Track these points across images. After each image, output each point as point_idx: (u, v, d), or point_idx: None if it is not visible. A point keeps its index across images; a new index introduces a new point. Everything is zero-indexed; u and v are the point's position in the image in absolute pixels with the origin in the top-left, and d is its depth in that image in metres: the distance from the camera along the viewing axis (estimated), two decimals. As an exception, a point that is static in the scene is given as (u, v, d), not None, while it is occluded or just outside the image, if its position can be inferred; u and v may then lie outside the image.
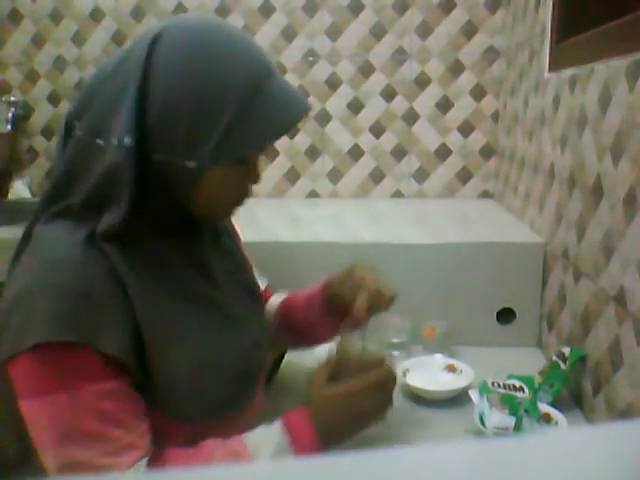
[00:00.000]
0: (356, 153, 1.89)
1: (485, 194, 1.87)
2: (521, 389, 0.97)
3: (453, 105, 1.82)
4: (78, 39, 1.94)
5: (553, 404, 0.98)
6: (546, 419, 0.95)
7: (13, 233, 0.73)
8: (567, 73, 1.13)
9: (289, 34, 1.85)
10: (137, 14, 1.89)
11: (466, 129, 1.83)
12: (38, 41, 1.97)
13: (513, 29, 1.62)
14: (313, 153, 1.91)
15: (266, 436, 0.69)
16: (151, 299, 0.65)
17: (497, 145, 1.83)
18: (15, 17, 1.96)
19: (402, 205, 1.82)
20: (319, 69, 1.86)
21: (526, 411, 0.91)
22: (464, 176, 1.87)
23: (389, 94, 1.83)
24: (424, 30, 1.79)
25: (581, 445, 0.21)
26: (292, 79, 1.87)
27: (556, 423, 0.94)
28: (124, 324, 0.62)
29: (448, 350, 1.22)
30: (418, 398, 1.07)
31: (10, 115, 1.90)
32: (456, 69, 1.80)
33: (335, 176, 1.92)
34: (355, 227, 1.52)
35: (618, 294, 0.87)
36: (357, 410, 0.74)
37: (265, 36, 1.86)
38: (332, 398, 0.73)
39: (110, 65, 0.65)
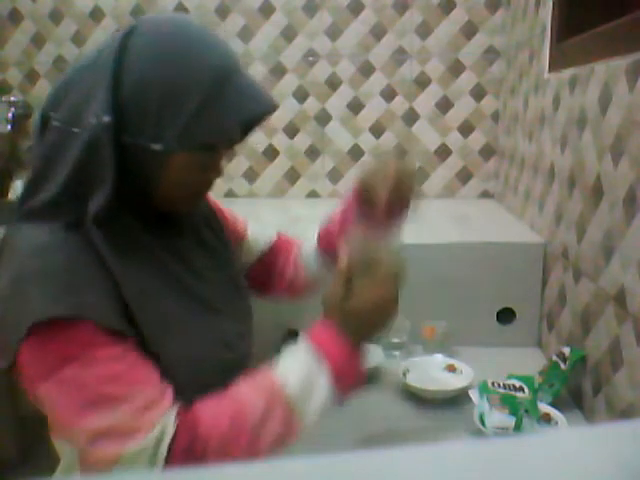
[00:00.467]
0: (356, 153, 1.89)
1: (485, 194, 1.87)
2: (521, 389, 0.97)
3: (453, 105, 1.82)
4: (78, 39, 1.94)
5: (553, 404, 0.98)
6: (546, 419, 0.95)
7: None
8: (567, 73, 1.13)
9: (289, 34, 1.85)
10: (137, 14, 1.89)
11: (466, 129, 1.83)
12: (38, 41, 1.97)
13: (513, 29, 1.62)
14: (313, 153, 1.91)
15: (294, 362, 0.69)
16: (135, 283, 0.66)
17: (497, 145, 1.83)
18: (15, 17, 1.96)
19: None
20: (319, 69, 1.86)
21: (526, 411, 0.91)
22: (464, 176, 1.87)
23: (389, 94, 1.83)
24: (424, 30, 1.79)
25: (581, 445, 0.21)
26: (292, 79, 1.88)
27: (556, 423, 0.94)
28: (115, 301, 0.64)
29: (448, 350, 1.22)
30: (418, 398, 1.07)
31: (10, 115, 1.90)
32: (456, 69, 1.80)
33: (335, 176, 1.92)
34: (355, 227, 1.52)
35: (618, 294, 0.87)
36: (379, 312, 0.73)
37: (265, 36, 1.86)
38: (353, 304, 0.71)
39: (85, 60, 0.69)
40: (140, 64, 0.65)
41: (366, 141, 1.87)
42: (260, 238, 0.98)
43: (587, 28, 1.06)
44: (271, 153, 1.94)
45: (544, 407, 0.96)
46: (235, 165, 1.95)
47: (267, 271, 0.98)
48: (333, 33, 1.83)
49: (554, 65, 1.23)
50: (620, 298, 0.87)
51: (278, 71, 1.88)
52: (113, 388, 0.60)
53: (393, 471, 0.20)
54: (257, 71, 1.89)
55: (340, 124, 1.87)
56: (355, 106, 1.85)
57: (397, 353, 1.24)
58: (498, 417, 0.91)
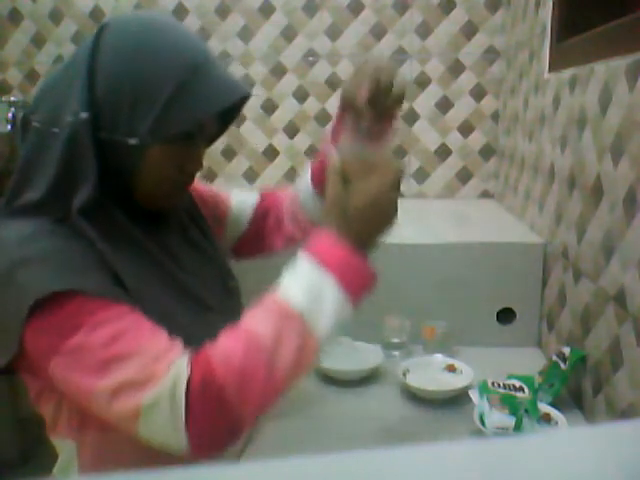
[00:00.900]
0: (356, 153, 1.88)
1: (485, 194, 1.87)
2: (521, 389, 0.97)
3: (453, 105, 1.82)
4: (78, 39, 1.94)
5: (553, 404, 0.98)
6: (546, 419, 0.95)
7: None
8: (567, 73, 1.13)
9: (289, 34, 1.85)
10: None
11: (466, 129, 1.83)
12: (38, 41, 1.97)
13: (513, 29, 1.62)
14: (313, 153, 1.91)
15: (295, 276, 0.66)
16: (130, 272, 0.67)
17: (497, 145, 1.83)
18: (15, 17, 1.96)
19: (402, 205, 1.81)
20: (319, 69, 1.86)
21: (526, 411, 0.91)
22: (464, 176, 1.87)
23: (389, 94, 1.83)
24: (424, 30, 1.79)
25: (581, 445, 0.21)
26: (292, 79, 1.88)
27: (556, 423, 0.94)
28: (113, 281, 0.65)
29: (448, 350, 1.22)
30: (418, 398, 1.07)
31: (10, 115, 1.90)
32: (456, 69, 1.80)
33: (335, 176, 1.91)
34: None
35: (618, 294, 0.87)
36: (379, 211, 0.68)
37: (265, 36, 1.86)
38: (348, 205, 0.68)
39: (62, 64, 0.71)
40: (111, 61, 0.66)
41: (366, 141, 1.87)
42: (244, 206, 0.98)
43: (587, 28, 1.06)
44: (271, 153, 1.94)
45: (544, 407, 0.96)
46: (235, 165, 1.95)
47: (260, 234, 0.97)
48: (333, 33, 1.83)
49: (554, 65, 1.23)
50: (620, 298, 0.87)
51: (278, 71, 1.88)
52: (122, 345, 0.61)
53: (393, 471, 0.20)
54: (257, 71, 1.89)
55: (340, 124, 1.87)
56: (355, 106, 1.85)
57: (397, 353, 1.24)
58: (498, 417, 0.91)
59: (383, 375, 1.17)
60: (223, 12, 1.86)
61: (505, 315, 1.30)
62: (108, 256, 0.66)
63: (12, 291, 0.62)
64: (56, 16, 1.94)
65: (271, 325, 0.62)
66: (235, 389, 0.59)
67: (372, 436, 0.97)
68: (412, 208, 1.76)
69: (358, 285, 0.66)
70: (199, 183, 0.98)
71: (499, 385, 0.98)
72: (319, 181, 0.88)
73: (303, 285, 0.64)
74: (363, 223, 0.67)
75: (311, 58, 1.86)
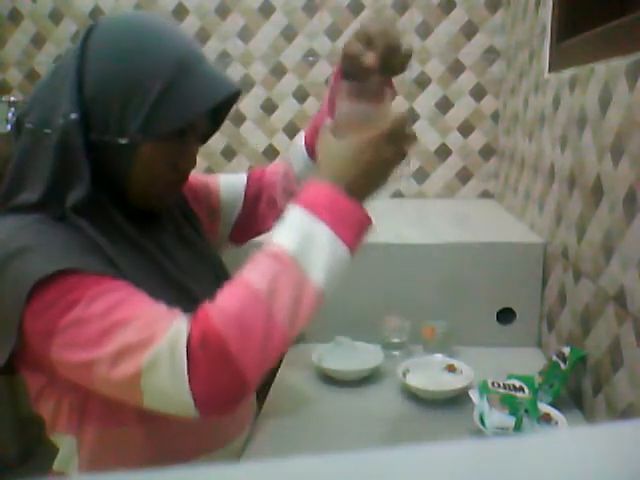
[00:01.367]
0: (356, 153, 1.88)
1: (485, 194, 1.87)
2: (521, 389, 0.97)
3: (453, 105, 1.82)
4: (78, 39, 1.94)
5: (553, 404, 0.98)
6: (546, 419, 0.95)
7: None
8: (567, 73, 1.13)
9: (289, 34, 1.85)
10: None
11: (466, 129, 1.83)
12: (38, 41, 1.97)
13: (513, 29, 1.62)
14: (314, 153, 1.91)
15: (285, 225, 0.65)
16: (127, 267, 0.67)
17: (497, 145, 1.83)
18: (15, 17, 1.96)
19: (402, 205, 1.82)
20: (319, 69, 1.86)
21: (526, 411, 0.91)
22: (464, 176, 1.87)
23: (389, 94, 1.83)
24: (424, 30, 1.79)
25: (581, 445, 0.21)
26: (292, 79, 1.88)
27: (556, 423, 0.94)
28: (105, 261, 0.65)
29: (448, 350, 1.22)
30: (418, 398, 1.07)
31: (10, 115, 1.90)
32: (456, 69, 1.80)
33: (335, 176, 1.91)
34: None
35: (618, 294, 0.87)
36: (373, 160, 0.65)
37: (265, 36, 1.86)
38: (340, 155, 0.66)
39: (53, 66, 0.71)
40: (100, 61, 0.67)
41: (366, 141, 1.87)
42: (234, 191, 0.97)
43: (587, 28, 1.06)
44: (271, 153, 1.93)
45: (544, 407, 0.96)
46: (235, 165, 1.95)
47: (254, 216, 0.96)
48: (333, 33, 1.83)
49: (554, 65, 1.23)
50: (620, 298, 0.87)
51: (278, 71, 1.88)
52: (119, 313, 0.61)
53: (393, 471, 0.20)
54: (257, 71, 1.89)
55: (340, 124, 1.87)
56: (355, 106, 1.85)
57: (397, 353, 1.24)
58: (498, 417, 0.91)
59: (383, 375, 1.17)
60: (223, 12, 1.86)
61: (505, 315, 1.30)
62: (106, 249, 0.66)
63: (9, 282, 0.63)
64: (56, 16, 1.94)
65: (265, 272, 0.61)
66: (235, 338, 0.58)
67: (372, 436, 0.97)
68: (412, 208, 1.76)
69: (351, 226, 0.64)
70: (190, 177, 0.98)
71: (499, 385, 0.98)
72: (313, 148, 0.87)
73: (293, 231, 0.63)
74: (355, 170, 0.65)
75: (311, 58, 1.86)
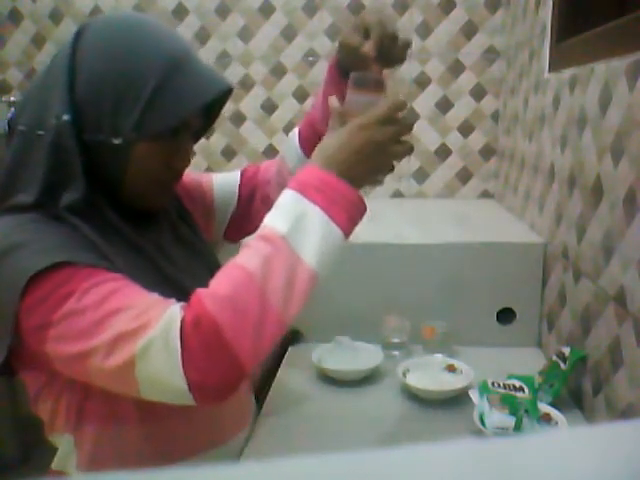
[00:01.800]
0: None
1: (485, 194, 1.87)
2: (521, 389, 0.97)
3: (453, 105, 1.82)
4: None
5: (553, 404, 0.98)
6: (546, 419, 0.95)
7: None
8: (567, 73, 1.12)
9: (289, 34, 1.85)
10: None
11: (466, 129, 1.83)
12: (38, 41, 1.97)
13: (513, 29, 1.62)
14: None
15: (277, 208, 0.64)
16: (117, 260, 0.67)
17: (497, 145, 1.83)
18: (15, 17, 1.96)
19: (402, 205, 1.82)
20: (319, 69, 1.85)
21: (526, 411, 0.91)
22: (464, 176, 1.87)
23: (389, 94, 1.83)
24: (424, 30, 1.79)
25: (581, 445, 0.21)
26: (292, 79, 1.88)
27: (556, 423, 0.94)
28: (100, 257, 0.65)
29: (448, 350, 1.22)
30: (418, 398, 1.07)
31: (10, 115, 1.90)
32: (456, 69, 1.80)
33: (335, 176, 1.91)
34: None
35: (618, 294, 0.87)
36: (365, 142, 0.65)
37: (265, 36, 1.86)
38: (334, 140, 0.66)
39: (44, 67, 0.72)
40: (91, 62, 0.67)
41: (366, 141, 1.87)
42: (228, 190, 0.97)
43: (587, 28, 1.06)
44: (271, 153, 1.93)
45: (544, 407, 0.96)
46: (235, 165, 1.95)
47: (248, 213, 0.96)
48: (333, 33, 1.83)
49: (554, 65, 1.23)
50: (620, 298, 0.87)
51: (278, 71, 1.88)
52: (114, 302, 0.61)
53: (393, 471, 0.20)
54: (257, 71, 1.89)
55: (340, 124, 1.87)
56: (355, 106, 1.85)
57: (397, 353, 1.24)
58: (498, 417, 0.91)
59: (383, 375, 1.17)
60: (223, 12, 1.86)
61: (505, 315, 1.30)
62: (101, 247, 0.66)
63: (3, 279, 0.63)
64: (56, 16, 1.94)
65: (257, 255, 0.61)
66: (229, 321, 0.58)
67: (372, 436, 0.97)
68: (412, 208, 1.76)
69: (344, 208, 0.63)
70: (184, 175, 0.98)
71: (499, 385, 0.98)
72: (307, 143, 0.87)
73: (285, 213, 0.63)
74: (347, 154, 0.65)
75: (311, 58, 1.86)
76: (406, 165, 1.87)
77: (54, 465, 0.76)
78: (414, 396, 1.07)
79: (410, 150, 0.67)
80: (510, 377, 1.01)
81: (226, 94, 0.75)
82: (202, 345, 0.58)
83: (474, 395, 1.00)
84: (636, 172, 0.82)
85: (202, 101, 0.69)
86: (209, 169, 1.93)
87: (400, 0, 1.77)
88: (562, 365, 1.01)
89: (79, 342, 0.60)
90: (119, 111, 0.66)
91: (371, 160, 0.66)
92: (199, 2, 1.87)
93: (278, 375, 1.19)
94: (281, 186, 0.90)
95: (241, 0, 1.85)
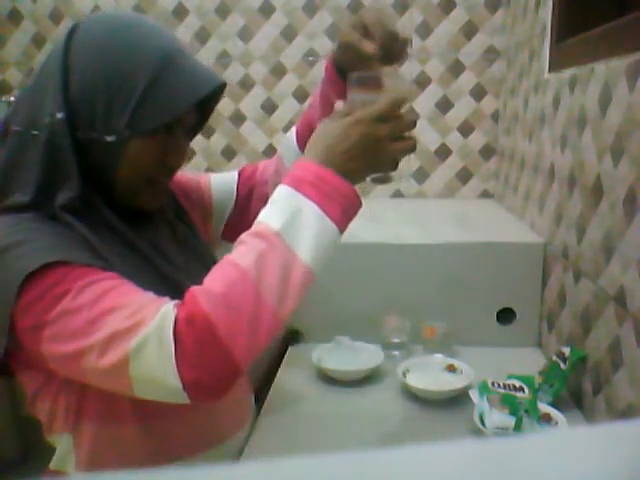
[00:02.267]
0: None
1: (485, 194, 1.87)
2: (521, 389, 0.97)
3: (453, 105, 1.82)
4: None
5: (553, 404, 0.98)
6: (546, 419, 0.95)
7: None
8: (567, 73, 1.12)
9: (289, 34, 1.85)
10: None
11: (466, 129, 1.83)
12: (38, 41, 1.97)
13: (513, 29, 1.62)
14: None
15: (271, 204, 0.64)
16: (113, 258, 0.67)
17: (497, 145, 1.83)
18: (15, 17, 1.96)
19: (402, 205, 1.82)
20: (319, 69, 1.85)
21: (526, 411, 0.91)
22: (464, 176, 1.87)
23: (389, 94, 1.83)
24: (424, 30, 1.79)
25: (581, 445, 0.21)
26: (292, 79, 1.88)
27: (556, 423, 0.94)
28: (96, 256, 0.65)
29: (448, 350, 1.22)
30: (418, 398, 1.07)
31: (4, 115, 1.90)
32: (456, 69, 1.80)
33: (335, 176, 1.91)
34: (355, 227, 1.52)
35: (618, 294, 0.87)
36: (362, 138, 0.64)
37: (265, 36, 1.86)
38: (329, 134, 0.65)
39: (38, 67, 0.72)
40: (83, 60, 0.67)
41: (366, 141, 1.87)
42: (226, 189, 0.96)
43: (587, 28, 1.06)
44: (271, 153, 1.93)
45: (544, 407, 0.96)
46: (235, 165, 1.95)
47: (246, 213, 0.96)
48: (333, 33, 1.83)
49: (554, 65, 1.23)
50: (620, 298, 0.87)
51: (278, 71, 1.88)
52: (108, 301, 0.60)
53: (393, 471, 0.20)
54: (257, 71, 1.89)
55: (340, 124, 1.87)
56: (355, 106, 1.85)
57: (397, 353, 1.24)
58: (498, 417, 0.91)
59: (383, 375, 1.17)
60: (223, 12, 1.86)
61: (505, 315, 1.30)
62: (97, 246, 0.66)
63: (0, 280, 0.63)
64: (56, 16, 1.94)
65: (251, 251, 0.60)
66: (223, 318, 0.58)
67: (372, 436, 0.97)
68: (412, 208, 1.76)
69: (338, 203, 0.63)
70: (180, 174, 0.98)
71: (499, 385, 0.98)
72: (305, 142, 0.86)
73: (279, 208, 0.62)
74: (343, 148, 0.64)
75: (311, 58, 1.86)
76: (406, 165, 1.87)
77: (52, 465, 0.76)
78: (414, 396, 1.07)
79: (413, 147, 0.67)
80: (510, 377, 1.01)
81: (219, 91, 0.75)
82: (196, 342, 0.58)
83: (474, 395, 1.00)
84: (636, 172, 0.82)
85: (194, 98, 0.69)
86: (209, 169, 1.93)
87: (400, 0, 1.77)
88: (562, 365, 1.01)
89: (74, 341, 0.60)
90: (112, 109, 0.66)
91: (367, 155, 0.65)
92: (199, 2, 1.87)
93: (278, 375, 1.19)
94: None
95: (241, 0, 1.85)
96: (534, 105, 1.38)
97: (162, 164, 0.73)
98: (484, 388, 0.98)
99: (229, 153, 1.95)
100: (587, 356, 1.00)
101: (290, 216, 0.61)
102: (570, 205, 1.10)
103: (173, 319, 0.58)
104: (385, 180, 0.71)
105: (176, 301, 0.62)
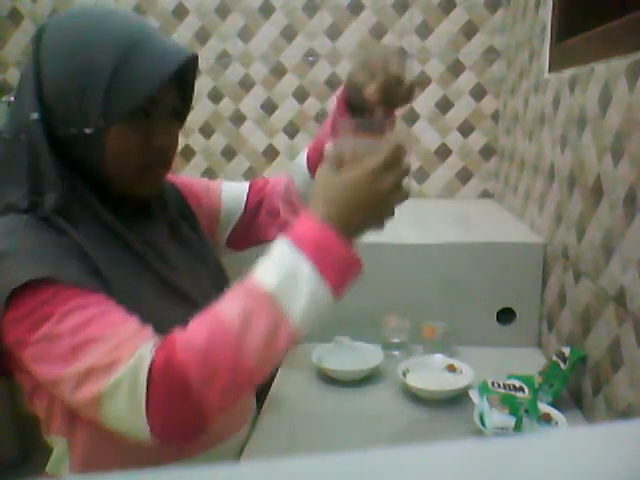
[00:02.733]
0: (356, 153, 1.88)
1: (485, 194, 1.87)
2: (521, 389, 0.97)
3: (453, 105, 1.82)
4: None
5: (553, 404, 0.98)
6: (546, 419, 0.95)
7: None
8: (567, 73, 1.13)
9: (289, 34, 1.85)
10: (137, 14, 1.89)
11: (466, 129, 1.83)
12: (38, 41, 1.97)
13: (513, 29, 1.62)
14: (313, 153, 1.91)
15: (270, 259, 0.63)
16: (110, 266, 0.67)
17: (497, 145, 1.83)
18: (15, 17, 1.96)
19: (402, 205, 1.81)
20: (319, 69, 1.86)
21: (526, 411, 0.91)
22: (464, 176, 1.87)
23: (389, 94, 1.83)
24: (424, 30, 1.79)
25: (581, 445, 0.21)
26: (292, 79, 1.88)
27: (556, 423, 0.94)
28: (92, 274, 0.65)
29: (448, 350, 1.22)
30: (418, 398, 1.07)
31: None
32: (456, 69, 1.80)
33: (335, 176, 1.91)
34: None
35: (618, 294, 0.87)
36: (368, 193, 0.63)
37: (265, 36, 1.86)
38: (335, 188, 0.64)
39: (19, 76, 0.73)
40: (52, 59, 0.68)
41: (366, 141, 1.87)
42: (236, 197, 0.97)
43: (587, 28, 1.06)
44: (271, 153, 1.94)
45: (544, 407, 0.96)
46: (235, 165, 1.95)
47: (254, 223, 0.96)
48: (333, 33, 1.83)
49: (554, 65, 1.23)
50: (620, 298, 0.87)
51: (278, 71, 1.88)
52: (89, 331, 0.60)
53: (393, 471, 0.20)
54: (257, 71, 1.89)
55: (340, 124, 1.87)
56: (355, 106, 1.85)
57: (397, 353, 1.24)
58: (498, 417, 0.91)
59: (383, 375, 1.17)
60: (223, 12, 1.86)
61: (505, 315, 1.30)
62: (86, 248, 0.66)
63: None
64: (56, 16, 1.94)
65: (239, 306, 0.60)
66: (198, 372, 0.57)
67: (372, 436, 0.97)
68: (412, 208, 1.76)
69: (338, 268, 0.61)
70: (190, 178, 0.98)
71: (499, 385, 0.98)
72: (314, 165, 0.86)
73: (276, 266, 0.61)
74: (349, 207, 0.63)
75: (311, 58, 1.86)
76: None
77: (48, 468, 0.76)
78: (414, 396, 1.07)
79: (406, 196, 0.67)
80: (510, 377, 1.01)
81: (193, 65, 0.74)
82: (167, 391, 0.58)
83: (474, 395, 1.00)
84: (636, 172, 0.82)
85: (163, 75, 0.68)
86: (209, 169, 1.93)
87: (400, 0, 1.78)
88: (562, 365, 1.01)
89: (52, 368, 0.60)
90: (84, 100, 0.67)
91: (374, 212, 0.65)
92: (199, 2, 1.87)
93: (278, 375, 1.19)
94: (289, 202, 0.92)
95: (241, 0, 1.85)
96: (534, 105, 1.38)
97: (148, 148, 0.72)
98: (484, 388, 0.98)
99: (229, 153, 1.95)
100: (587, 356, 1.00)
101: (286, 277, 0.60)
102: (570, 205, 1.10)
103: (149, 362, 0.58)
104: (379, 228, 0.68)
105: (156, 339, 0.61)
